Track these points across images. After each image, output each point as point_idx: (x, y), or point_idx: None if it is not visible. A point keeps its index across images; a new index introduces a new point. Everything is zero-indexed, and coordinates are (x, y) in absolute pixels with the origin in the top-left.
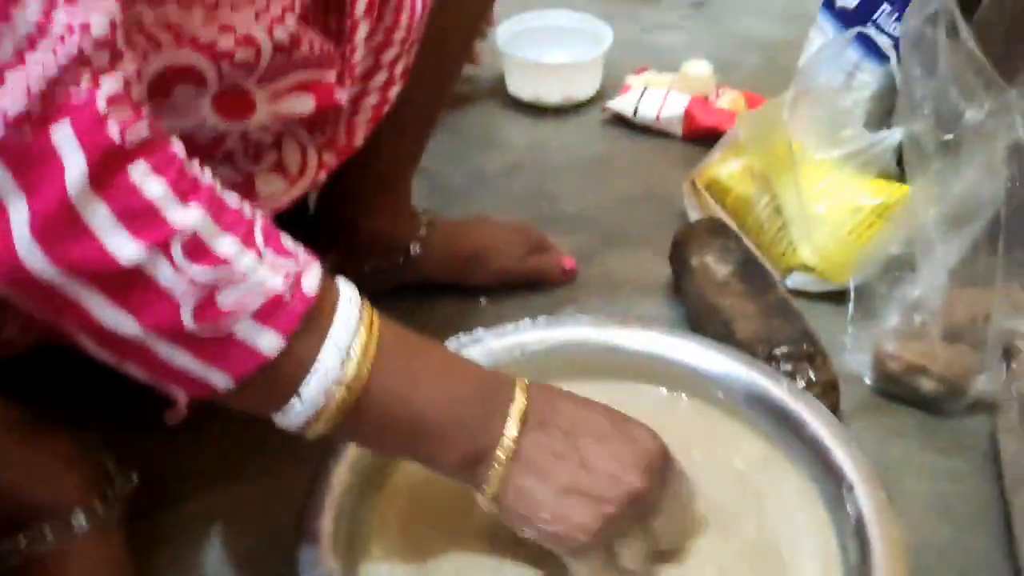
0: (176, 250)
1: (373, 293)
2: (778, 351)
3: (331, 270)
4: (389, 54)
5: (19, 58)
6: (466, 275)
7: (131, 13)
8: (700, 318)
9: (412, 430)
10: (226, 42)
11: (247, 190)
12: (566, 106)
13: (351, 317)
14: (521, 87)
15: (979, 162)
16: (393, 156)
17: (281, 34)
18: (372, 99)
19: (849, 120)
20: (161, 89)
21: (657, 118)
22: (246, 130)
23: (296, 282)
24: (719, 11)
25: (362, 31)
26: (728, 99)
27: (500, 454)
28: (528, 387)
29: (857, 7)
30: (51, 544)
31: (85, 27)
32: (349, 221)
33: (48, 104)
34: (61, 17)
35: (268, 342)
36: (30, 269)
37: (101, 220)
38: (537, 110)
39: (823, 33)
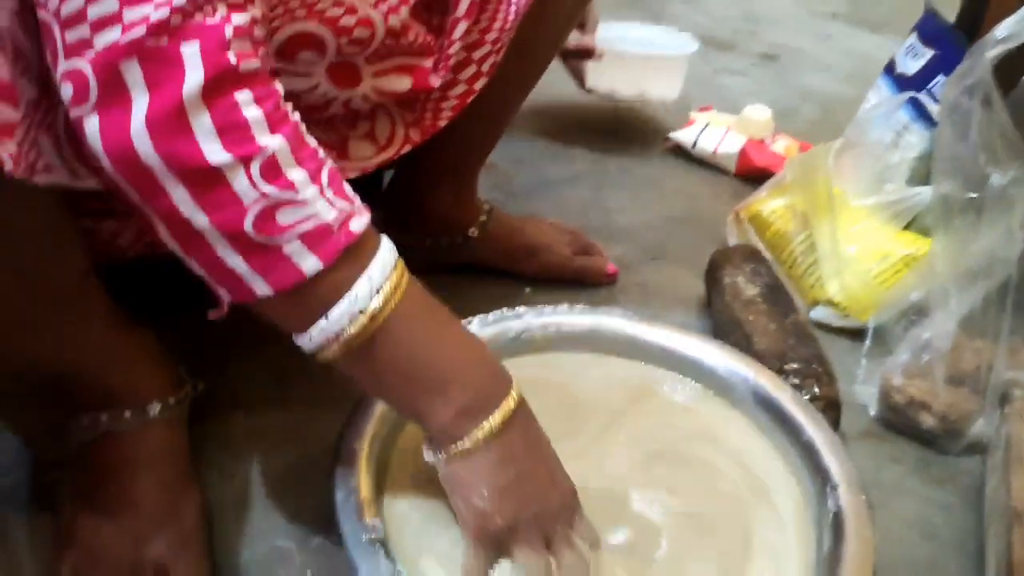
0: (255, 166)
1: (429, 268)
2: (788, 366)
3: (395, 242)
4: (480, 51)
5: None
6: (516, 265)
7: None
8: (723, 329)
9: (416, 377)
10: (348, 20)
11: (341, 151)
12: (639, 102)
13: (387, 263)
14: (598, 78)
15: (999, 224)
16: (467, 144)
17: (394, 21)
18: (460, 88)
19: (894, 176)
20: (289, 52)
21: (714, 152)
22: (349, 98)
23: (345, 220)
24: (787, 64)
25: (460, 29)
26: (782, 145)
27: (486, 429)
28: (520, 395)
29: (915, 75)
30: (127, 425)
31: None
32: (417, 199)
33: (186, 21)
34: None
35: (310, 264)
36: (138, 153)
37: (202, 126)
38: (606, 130)
39: (880, 94)
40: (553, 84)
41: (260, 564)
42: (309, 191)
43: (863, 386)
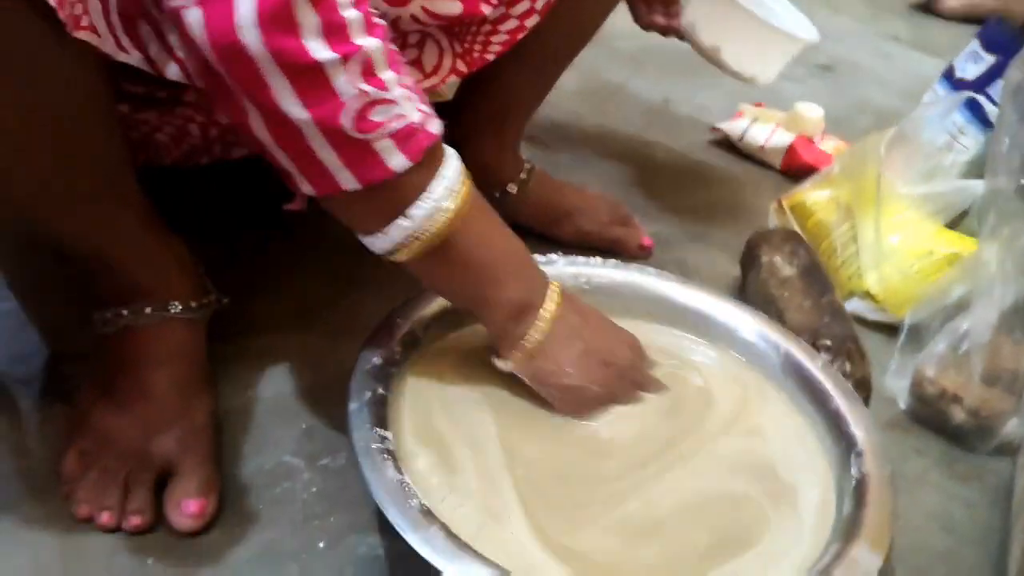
0: (354, 64)
1: None
2: (821, 342)
3: None
4: None
5: None
6: (552, 227)
7: None
8: (757, 305)
9: (483, 271)
10: None
11: None
12: (721, 66)
13: (457, 167)
14: (697, 19)
15: None
16: (512, 94)
17: None
18: (511, 23)
19: (944, 176)
20: None
21: (762, 147)
22: (399, 16)
23: (426, 121)
24: (845, 76)
25: None
26: (831, 144)
27: (545, 318)
28: (558, 283)
29: (975, 80)
30: (146, 320)
31: None
32: (458, 142)
33: None
34: None
35: (398, 161)
36: (245, 44)
37: (309, 23)
38: (652, 112)
39: (936, 98)
40: (603, 69)
41: (266, 475)
42: (398, 91)
43: (894, 379)
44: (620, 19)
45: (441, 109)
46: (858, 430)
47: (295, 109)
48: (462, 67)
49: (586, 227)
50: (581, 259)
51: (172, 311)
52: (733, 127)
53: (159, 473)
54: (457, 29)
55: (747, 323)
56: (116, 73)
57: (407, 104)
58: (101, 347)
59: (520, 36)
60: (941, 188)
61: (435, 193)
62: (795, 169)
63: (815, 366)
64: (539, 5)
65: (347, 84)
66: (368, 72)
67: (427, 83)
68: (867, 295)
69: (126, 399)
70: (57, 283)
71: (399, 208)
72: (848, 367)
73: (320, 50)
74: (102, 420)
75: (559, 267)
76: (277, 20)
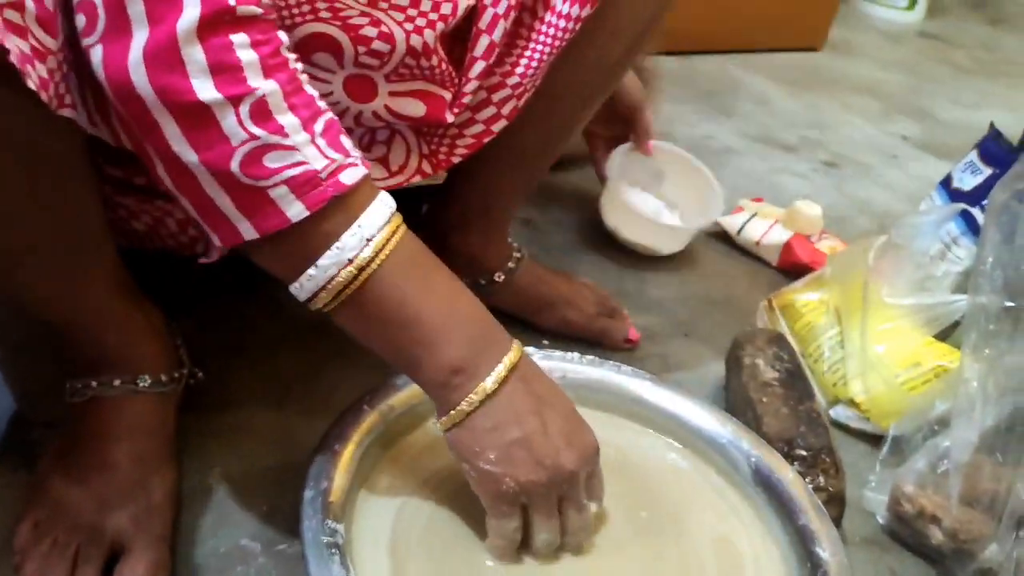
0: (244, 107)
1: None
2: (796, 453)
3: None
4: (501, 94)
5: None
6: (536, 316)
7: None
8: (735, 408)
9: (407, 328)
10: (370, 31)
11: None
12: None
13: (379, 216)
14: (608, 211)
15: None
16: (500, 187)
17: (416, 41)
18: (477, 128)
19: (935, 288)
20: (306, 50)
21: (758, 243)
22: (361, 112)
23: (336, 171)
24: (849, 174)
25: (477, 68)
26: (828, 244)
27: (480, 390)
28: (524, 352)
29: (971, 191)
30: (114, 392)
31: None
32: (445, 237)
33: None
34: None
35: (295, 209)
36: (134, 84)
37: (195, 62)
38: None
39: (933, 206)
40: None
41: (221, 558)
42: (299, 137)
43: (873, 493)
44: None
45: (432, 194)
46: (824, 550)
47: (185, 151)
48: (427, 168)
49: (571, 317)
50: (558, 354)
51: (141, 385)
52: (731, 221)
53: (110, 550)
54: (424, 129)
55: (719, 428)
56: (99, 153)
57: (309, 150)
58: (70, 416)
59: (487, 139)
60: (929, 300)
61: (345, 243)
62: (791, 267)
63: (785, 479)
64: (506, 110)
65: (237, 127)
66: (262, 115)
67: (393, 181)
68: (852, 403)
69: (85, 471)
70: (38, 347)
71: (309, 257)
72: (822, 480)
73: (206, 90)
74: (59, 491)
75: (535, 359)
76: (163, 58)
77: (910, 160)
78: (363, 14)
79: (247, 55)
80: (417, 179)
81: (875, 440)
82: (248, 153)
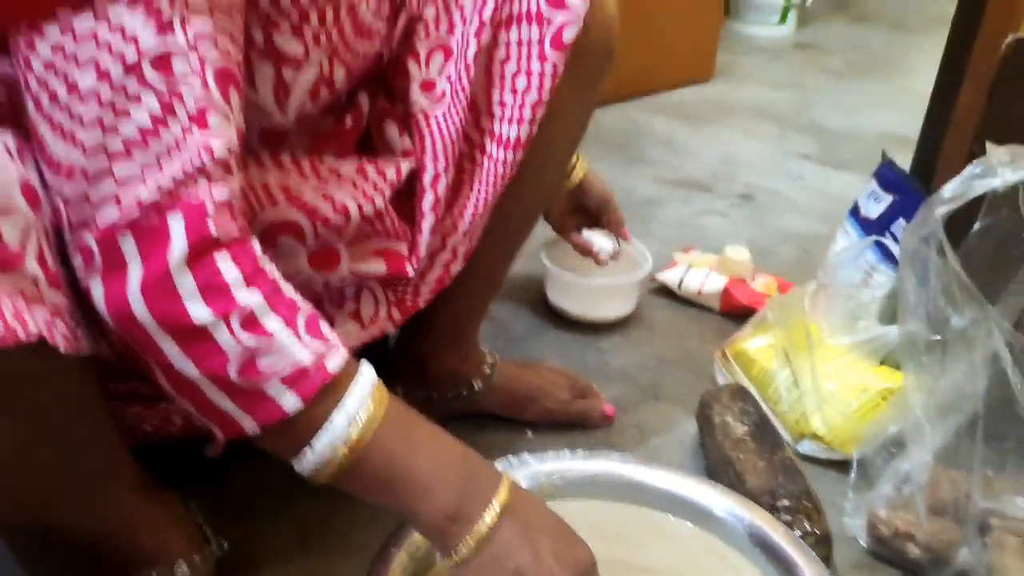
0: (235, 320)
1: (438, 418)
2: (780, 503)
3: (403, 398)
4: (454, 240)
5: (158, 164)
6: (519, 411)
7: (258, 173)
8: (716, 468)
9: (400, 485)
10: (326, 209)
11: None
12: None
13: (363, 392)
14: (553, 295)
15: (963, 361)
16: (464, 307)
17: (369, 210)
18: (437, 272)
19: (865, 313)
20: (270, 238)
21: (699, 293)
22: (330, 280)
23: (321, 360)
24: (764, 205)
25: (428, 222)
26: (762, 283)
27: (476, 534)
28: (512, 485)
29: (878, 218)
30: None
31: (209, 148)
32: (422, 358)
33: (172, 198)
34: (195, 138)
35: (290, 402)
36: (135, 314)
37: (187, 288)
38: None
39: (847, 236)
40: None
41: None
42: (284, 338)
43: (852, 519)
44: None
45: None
46: None
47: (187, 367)
48: (397, 315)
49: (550, 407)
50: (551, 454)
51: (179, 572)
52: (670, 276)
53: None
54: (390, 280)
55: (712, 498)
56: (103, 372)
57: (296, 348)
58: None
59: (447, 281)
60: (865, 335)
61: (336, 423)
62: (733, 310)
63: (778, 535)
64: (460, 253)
65: (230, 339)
66: (250, 325)
67: (367, 335)
68: (815, 436)
69: None
70: (64, 553)
71: (305, 440)
72: (807, 525)
73: (200, 312)
74: None
75: (532, 467)
76: (160, 289)
77: (814, 179)
78: (316, 192)
79: (231, 273)
80: (389, 329)
81: (842, 466)
82: (243, 360)
